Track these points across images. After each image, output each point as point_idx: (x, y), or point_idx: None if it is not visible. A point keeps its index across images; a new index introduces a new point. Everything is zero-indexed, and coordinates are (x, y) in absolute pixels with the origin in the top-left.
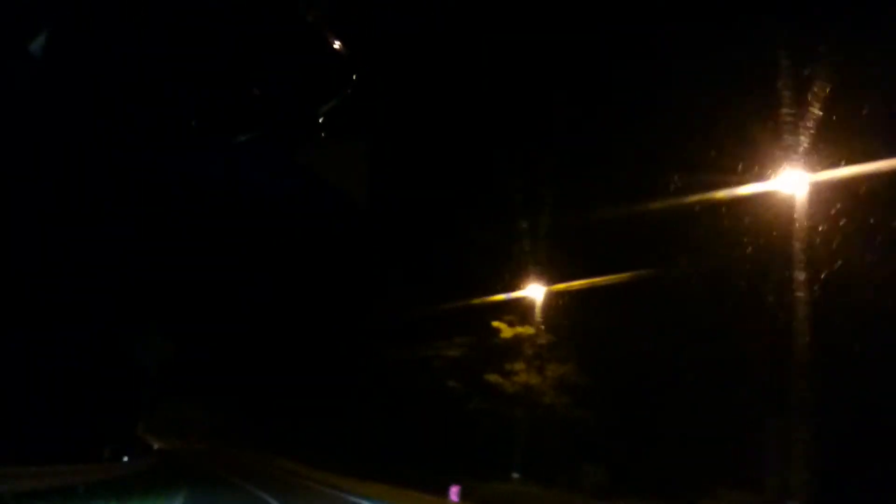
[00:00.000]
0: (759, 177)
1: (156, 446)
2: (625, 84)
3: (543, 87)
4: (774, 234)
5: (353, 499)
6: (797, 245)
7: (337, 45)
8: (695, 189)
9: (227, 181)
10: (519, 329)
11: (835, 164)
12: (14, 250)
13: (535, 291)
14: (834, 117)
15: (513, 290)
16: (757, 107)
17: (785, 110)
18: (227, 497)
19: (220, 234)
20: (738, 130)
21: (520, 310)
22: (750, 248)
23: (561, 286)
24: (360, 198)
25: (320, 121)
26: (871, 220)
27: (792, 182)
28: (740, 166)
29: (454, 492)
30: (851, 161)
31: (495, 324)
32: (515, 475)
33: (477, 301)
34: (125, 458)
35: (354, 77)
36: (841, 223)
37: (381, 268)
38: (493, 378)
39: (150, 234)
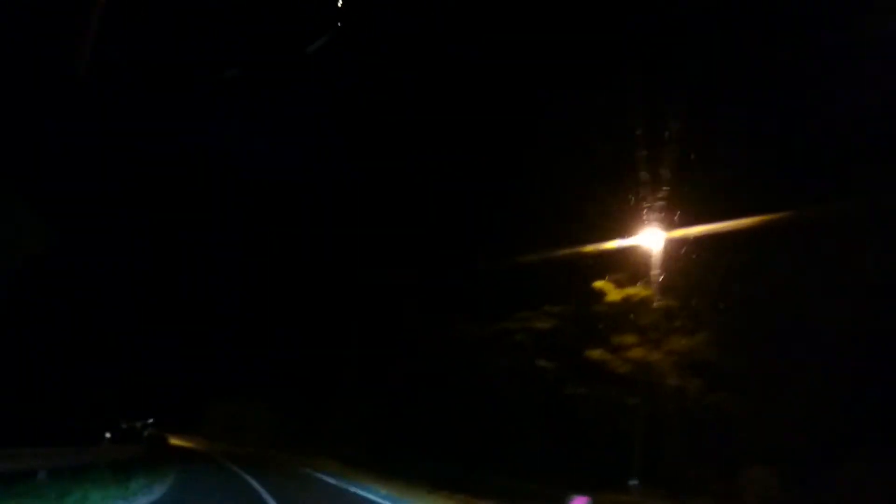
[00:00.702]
0: None
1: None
2: None
3: None
4: None
5: None
6: None
7: None
8: None
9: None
10: (630, 290)
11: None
12: None
13: (650, 239)
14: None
15: (618, 237)
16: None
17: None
18: (215, 481)
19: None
20: None
21: (629, 266)
22: None
23: (688, 231)
24: None
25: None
26: None
27: None
28: None
29: None
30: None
31: (598, 285)
32: (634, 482)
33: (572, 252)
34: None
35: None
36: None
37: (447, 217)
38: (596, 354)
39: None
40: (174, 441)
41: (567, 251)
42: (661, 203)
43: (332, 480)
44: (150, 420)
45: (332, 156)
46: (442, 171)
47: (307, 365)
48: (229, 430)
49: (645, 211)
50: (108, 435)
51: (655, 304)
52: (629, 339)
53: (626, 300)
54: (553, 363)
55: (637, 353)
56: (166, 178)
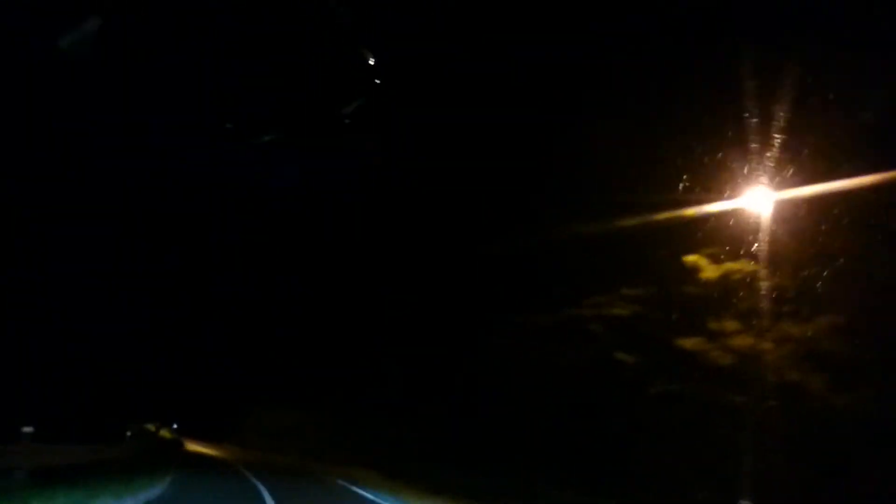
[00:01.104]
0: None
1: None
2: None
3: None
4: None
5: None
6: None
7: (362, 50)
8: None
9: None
10: (730, 265)
11: None
12: None
13: (756, 201)
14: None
15: (714, 202)
16: None
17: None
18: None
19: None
20: None
21: (727, 237)
22: None
23: (806, 190)
24: None
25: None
26: None
27: None
28: None
29: None
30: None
31: (690, 260)
32: None
33: (654, 219)
34: None
35: (377, 80)
36: None
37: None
38: (691, 343)
39: None
40: (194, 447)
41: (649, 219)
42: (772, 155)
43: (367, 494)
44: (174, 425)
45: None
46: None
47: (349, 369)
48: (267, 438)
49: (749, 167)
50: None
51: (763, 282)
52: (730, 324)
53: (726, 277)
54: (635, 356)
55: (742, 341)
56: (210, 192)
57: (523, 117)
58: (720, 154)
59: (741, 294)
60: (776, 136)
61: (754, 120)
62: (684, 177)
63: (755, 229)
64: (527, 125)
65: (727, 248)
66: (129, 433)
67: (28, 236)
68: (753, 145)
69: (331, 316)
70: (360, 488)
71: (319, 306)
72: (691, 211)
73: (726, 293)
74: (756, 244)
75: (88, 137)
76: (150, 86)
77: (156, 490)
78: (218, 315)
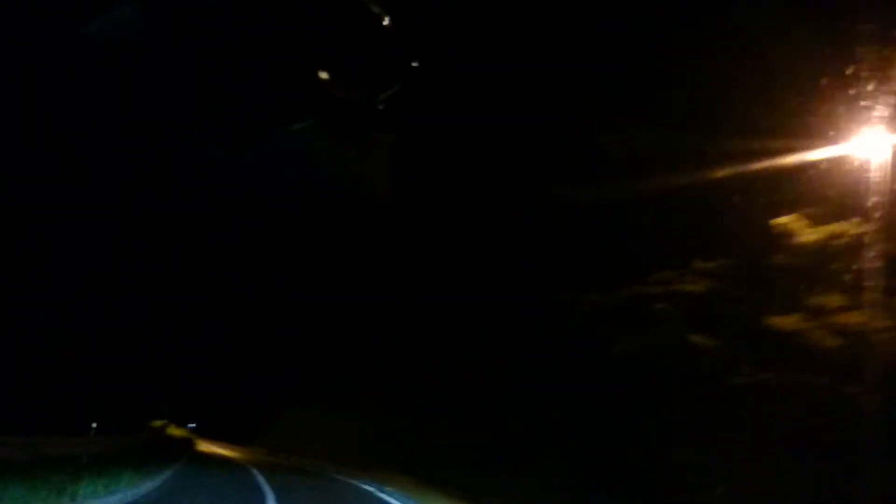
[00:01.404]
0: None
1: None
2: None
3: None
4: None
5: None
6: None
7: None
8: None
9: None
10: (832, 228)
11: None
12: None
13: (867, 147)
14: None
15: (815, 147)
16: None
17: None
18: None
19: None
20: None
21: (827, 195)
22: None
23: None
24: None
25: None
26: None
27: None
28: None
29: None
30: None
31: (782, 222)
32: None
33: (733, 172)
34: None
35: (413, 64)
36: None
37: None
38: (788, 322)
39: None
40: (207, 447)
41: (727, 172)
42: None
43: (394, 502)
44: (192, 424)
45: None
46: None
47: (383, 369)
48: (296, 440)
49: (860, 103)
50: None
51: (876, 246)
52: (834, 299)
53: (828, 242)
54: (715, 340)
55: (850, 318)
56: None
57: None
58: (823, 85)
59: (848, 262)
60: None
61: (868, 43)
62: (774, 116)
63: (866, 182)
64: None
65: (828, 208)
66: (94, 425)
67: (28, 236)
68: (867, 74)
69: (363, 313)
70: (388, 494)
71: (351, 304)
72: (785, 160)
73: (828, 261)
74: (869, 200)
75: (88, 137)
76: (165, 79)
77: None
78: (243, 313)
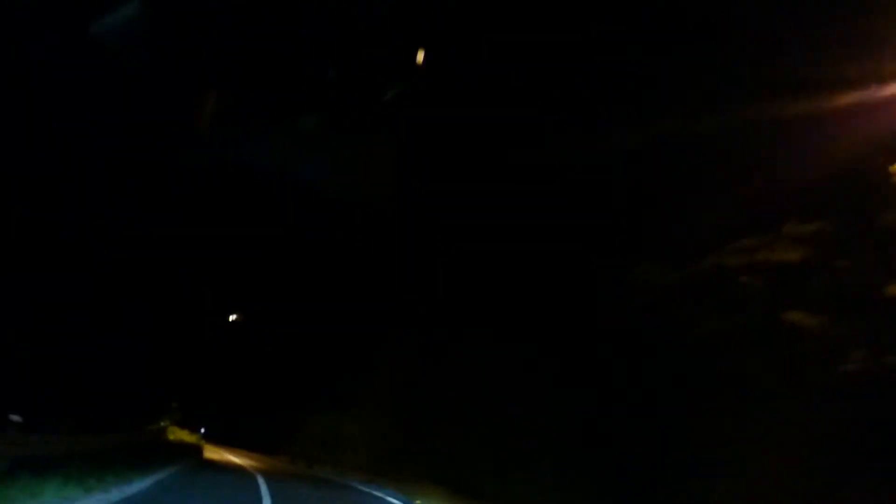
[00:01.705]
0: None
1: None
2: None
3: None
4: None
5: None
6: None
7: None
8: None
9: None
10: None
11: None
12: None
13: None
14: None
15: None
16: None
17: None
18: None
19: None
20: None
21: None
22: None
23: None
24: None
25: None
26: None
27: None
28: None
29: None
30: None
31: None
32: None
33: (830, 107)
34: None
35: (419, 60)
36: None
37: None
38: None
39: None
40: (219, 455)
41: (825, 106)
42: None
43: None
44: (202, 430)
45: None
46: None
47: (419, 361)
48: (321, 448)
49: None
50: None
51: None
52: None
53: None
54: (817, 318)
55: None
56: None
57: None
58: None
59: None
60: None
61: None
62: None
63: None
64: None
65: None
66: (14, 418)
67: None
68: None
69: (391, 312)
70: None
71: (362, 308)
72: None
73: None
74: None
75: (88, 137)
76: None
77: None
78: (266, 317)
